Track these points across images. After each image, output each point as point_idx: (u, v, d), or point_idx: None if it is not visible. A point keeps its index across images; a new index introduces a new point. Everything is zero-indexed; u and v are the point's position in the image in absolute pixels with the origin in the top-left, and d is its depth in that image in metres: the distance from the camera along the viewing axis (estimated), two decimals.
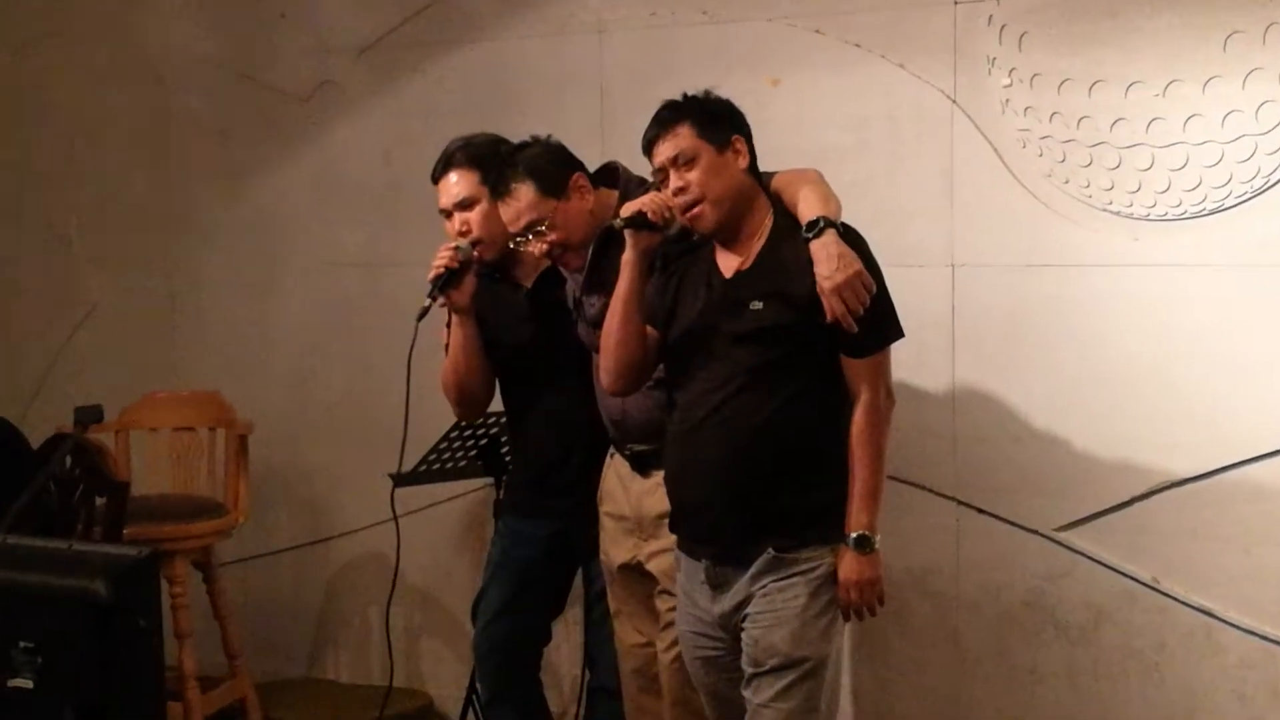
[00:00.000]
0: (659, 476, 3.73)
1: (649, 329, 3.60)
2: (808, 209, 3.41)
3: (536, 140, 3.87)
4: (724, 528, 3.47)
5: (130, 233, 5.85)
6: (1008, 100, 4.35)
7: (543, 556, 4.17)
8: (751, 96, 3.71)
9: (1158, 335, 4.24)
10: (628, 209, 3.52)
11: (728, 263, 3.51)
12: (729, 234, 3.49)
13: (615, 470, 3.93)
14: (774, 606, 3.43)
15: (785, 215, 3.50)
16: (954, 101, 4.45)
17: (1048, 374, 4.39)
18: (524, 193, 3.76)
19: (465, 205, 3.99)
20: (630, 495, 3.86)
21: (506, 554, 4.22)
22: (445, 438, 4.49)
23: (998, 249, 4.43)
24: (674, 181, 3.44)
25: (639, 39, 4.87)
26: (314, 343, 5.62)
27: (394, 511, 4.16)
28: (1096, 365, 4.32)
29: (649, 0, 4.85)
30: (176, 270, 5.82)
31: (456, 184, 4.00)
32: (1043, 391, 4.40)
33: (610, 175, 3.91)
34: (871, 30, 4.53)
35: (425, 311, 3.91)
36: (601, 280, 3.74)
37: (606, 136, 4.78)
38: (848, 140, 4.54)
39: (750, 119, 3.58)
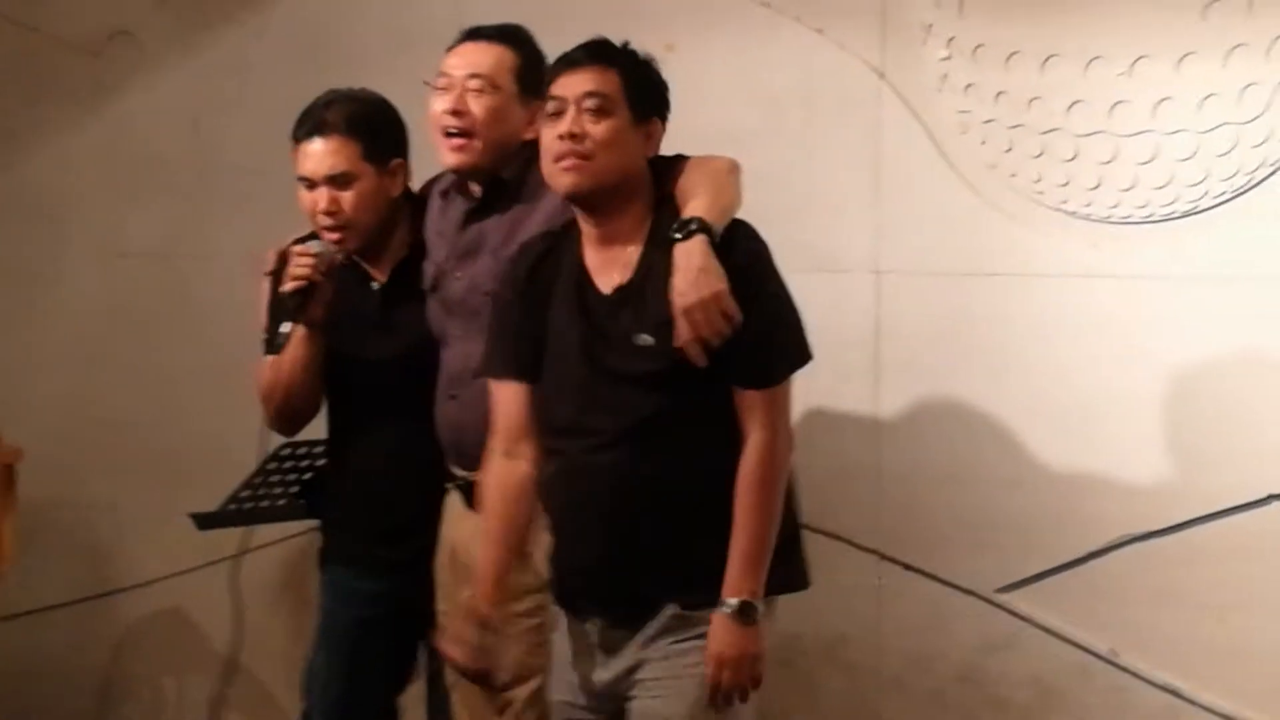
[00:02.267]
0: None
1: (512, 384, 3.57)
2: (690, 206, 3.41)
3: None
4: (621, 582, 3.45)
5: None
6: (945, 75, 4.38)
7: (376, 618, 4.12)
8: None
9: (1119, 359, 4.29)
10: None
11: (602, 271, 3.48)
12: (596, 225, 3.47)
13: (449, 506, 3.93)
14: (673, 673, 3.41)
15: (673, 212, 3.47)
16: (882, 76, 4.48)
17: (989, 403, 4.42)
18: (504, 55, 3.78)
19: (340, 182, 3.92)
20: (461, 535, 3.86)
21: (332, 615, 4.19)
22: (261, 470, 4.43)
23: (931, 253, 4.46)
24: (569, 124, 3.38)
25: None
26: (97, 350, 5.52)
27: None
28: (1046, 394, 4.36)
29: None
30: None
31: (333, 154, 3.91)
32: (983, 424, 4.43)
33: None
34: None
35: (285, 340, 3.86)
36: (474, 246, 3.77)
37: None
38: (755, 121, 4.54)
39: None
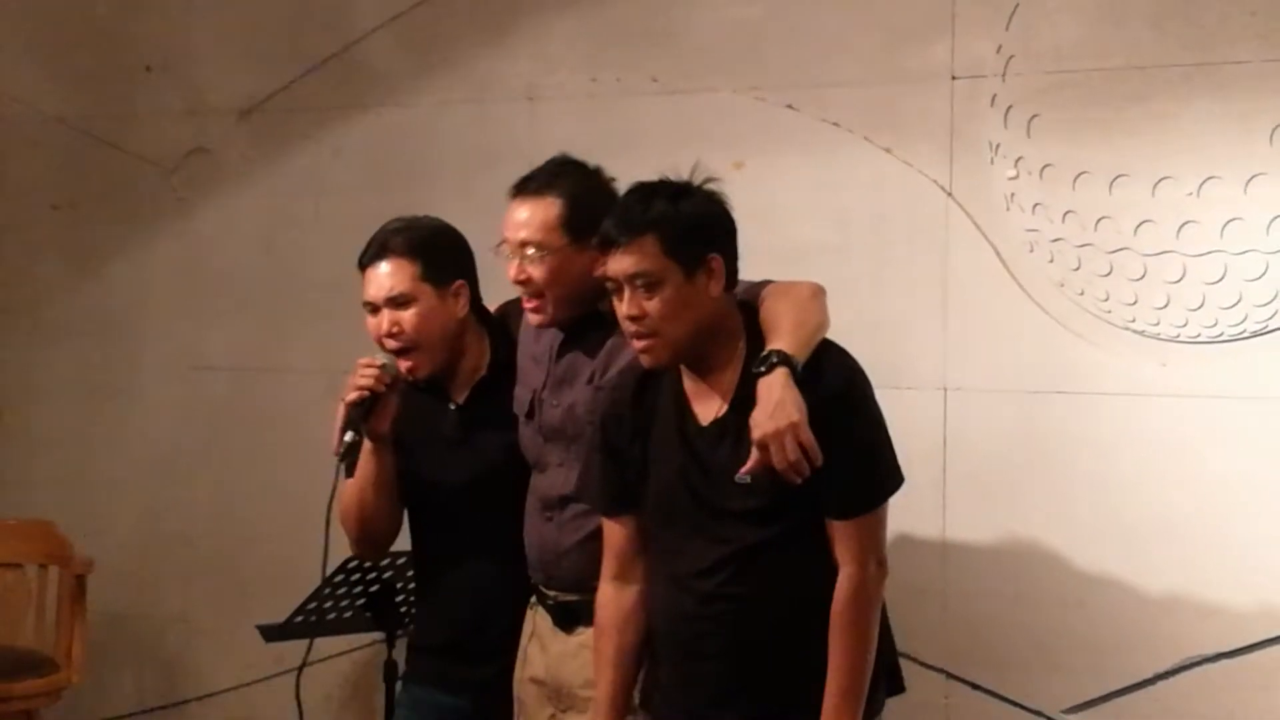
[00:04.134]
0: (585, 635, 3.70)
1: (617, 521, 3.57)
2: (772, 337, 3.40)
3: (599, 172, 3.82)
4: (741, 705, 3.43)
5: None
6: (1013, 195, 4.40)
7: None
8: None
9: (1187, 479, 4.26)
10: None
11: (701, 400, 3.47)
12: (691, 363, 3.46)
13: (534, 625, 3.89)
14: None
15: (761, 341, 3.44)
16: (949, 194, 4.50)
17: (1057, 521, 4.40)
18: (547, 209, 3.73)
19: (400, 303, 3.91)
20: (549, 656, 3.82)
21: None
22: (328, 582, 4.41)
23: (999, 371, 4.46)
24: (628, 306, 3.39)
25: (576, 110, 4.91)
26: (171, 464, 5.56)
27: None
28: (1115, 512, 4.33)
29: (589, 63, 4.91)
30: (3, 371, 5.76)
31: (391, 276, 3.91)
32: (1051, 542, 4.40)
33: None
34: (854, 108, 4.58)
35: (350, 450, 3.82)
36: (571, 375, 3.77)
37: None
38: (824, 238, 4.57)
39: None
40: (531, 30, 5.00)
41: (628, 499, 3.55)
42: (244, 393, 5.45)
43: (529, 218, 3.75)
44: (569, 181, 3.78)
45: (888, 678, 3.52)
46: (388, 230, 3.99)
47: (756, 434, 3.27)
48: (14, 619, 5.32)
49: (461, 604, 4.02)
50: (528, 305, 3.80)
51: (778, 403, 3.27)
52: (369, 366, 3.87)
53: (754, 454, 3.29)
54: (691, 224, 3.37)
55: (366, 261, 3.98)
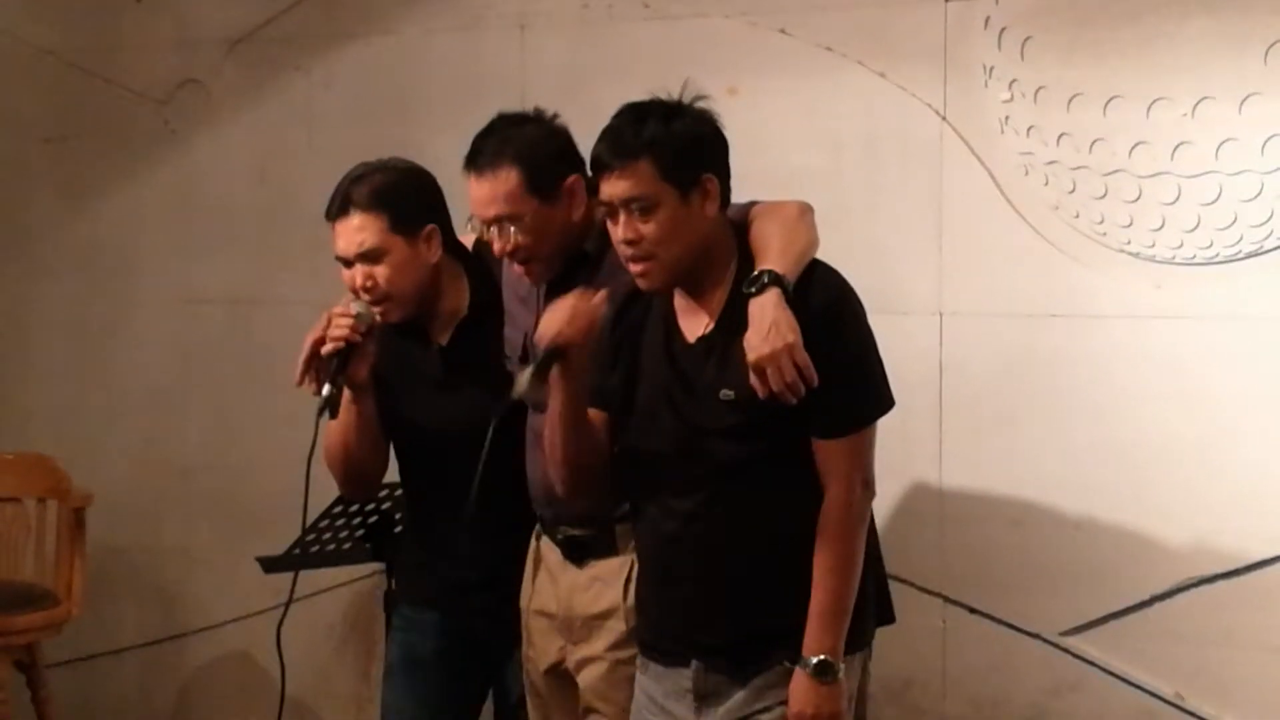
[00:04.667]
0: (596, 568, 3.72)
1: (595, 413, 3.52)
2: (763, 257, 3.39)
3: (540, 118, 3.81)
4: (723, 629, 3.43)
5: None
6: (1007, 118, 4.37)
7: (449, 648, 4.09)
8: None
9: (1185, 400, 4.25)
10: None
11: (689, 318, 3.46)
12: (684, 283, 3.44)
13: (543, 559, 3.89)
14: None
15: (750, 261, 3.43)
16: (944, 118, 4.47)
17: (1053, 445, 4.40)
18: (507, 180, 3.69)
19: (371, 257, 3.86)
20: (559, 588, 3.82)
21: (408, 647, 4.14)
22: (327, 514, 4.43)
23: (994, 295, 4.45)
24: (623, 230, 3.36)
25: (568, 36, 4.89)
26: (167, 397, 5.57)
27: None
28: (1112, 435, 4.33)
29: None
30: None
31: (360, 230, 3.85)
32: (1047, 466, 4.40)
33: None
34: (847, 32, 4.55)
35: (327, 403, 3.79)
36: None
37: None
38: (818, 163, 4.55)
39: None
40: None
41: (596, 398, 3.52)
42: (238, 325, 5.45)
43: (492, 193, 3.71)
44: (516, 144, 3.73)
45: (877, 608, 3.52)
46: (350, 179, 3.89)
47: (752, 357, 3.25)
48: (13, 553, 5.35)
49: (453, 539, 3.95)
50: (520, 270, 3.77)
51: (772, 323, 3.26)
52: (344, 316, 3.83)
53: (754, 380, 3.26)
54: (686, 145, 3.35)
55: (332, 215, 3.90)
